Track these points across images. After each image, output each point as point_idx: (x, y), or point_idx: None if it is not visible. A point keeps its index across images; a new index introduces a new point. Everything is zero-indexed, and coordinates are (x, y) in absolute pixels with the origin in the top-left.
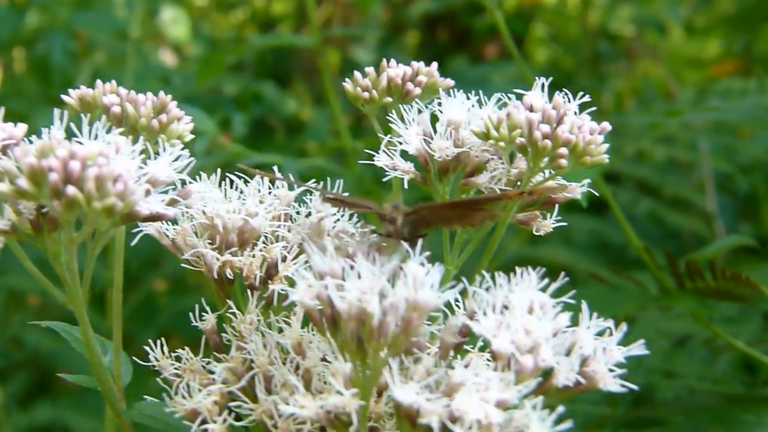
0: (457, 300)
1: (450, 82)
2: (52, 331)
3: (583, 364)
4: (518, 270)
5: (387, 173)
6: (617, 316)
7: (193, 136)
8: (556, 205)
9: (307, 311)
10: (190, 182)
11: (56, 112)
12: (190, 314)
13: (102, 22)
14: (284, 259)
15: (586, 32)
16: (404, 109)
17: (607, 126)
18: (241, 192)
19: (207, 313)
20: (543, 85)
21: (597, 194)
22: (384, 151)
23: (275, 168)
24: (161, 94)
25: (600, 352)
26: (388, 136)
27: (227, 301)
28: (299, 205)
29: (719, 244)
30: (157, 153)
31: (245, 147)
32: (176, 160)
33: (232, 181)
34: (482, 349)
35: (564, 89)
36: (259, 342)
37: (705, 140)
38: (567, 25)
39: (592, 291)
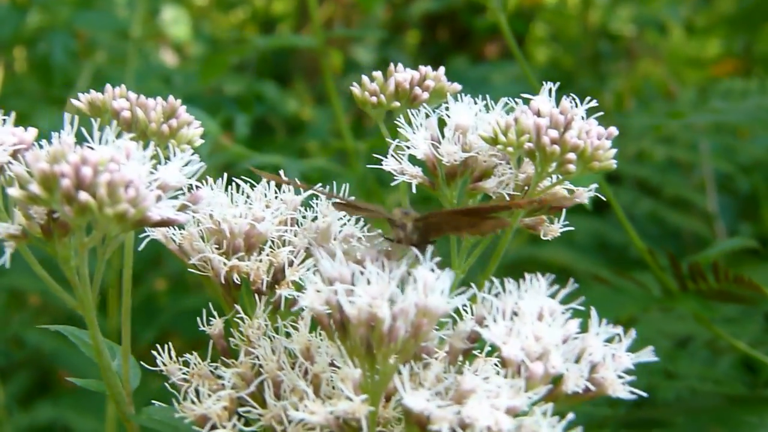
0: (464, 305)
1: (457, 86)
2: (53, 330)
3: (593, 371)
4: (527, 276)
5: (389, 174)
6: (620, 317)
7: (202, 141)
8: (563, 210)
9: (316, 316)
10: (198, 187)
11: (66, 116)
12: (190, 314)
13: (103, 22)
14: (291, 264)
15: (586, 32)
16: (412, 114)
17: (614, 131)
18: (248, 196)
19: (214, 317)
20: (550, 90)
21: (599, 195)
22: (392, 156)
23: (281, 172)
24: (170, 98)
25: (609, 359)
26: (396, 140)
27: (235, 305)
28: (305, 209)
29: (721, 246)
30: (167, 158)
31: (247, 147)
32: (186, 165)
33: (238, 186)
34: (490, 354)
35: (565, 89)
36: (268, 347)
37: (705, 140)
38: (567, 25)
39: (594, 292)
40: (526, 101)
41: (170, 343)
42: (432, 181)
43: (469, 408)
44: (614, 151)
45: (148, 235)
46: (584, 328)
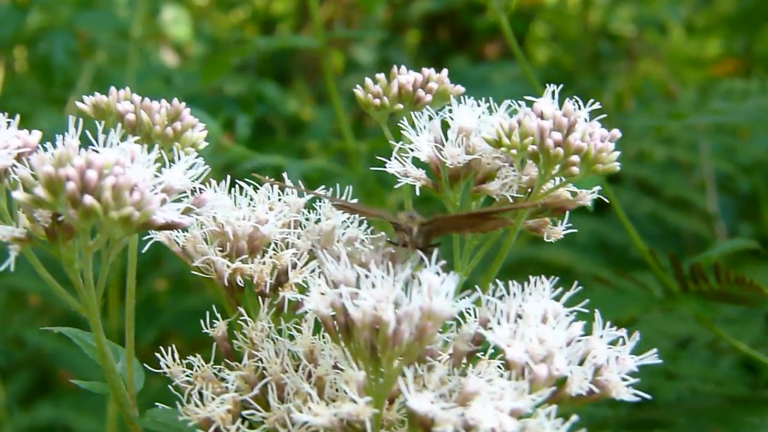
0: (467, 307)
1: (460, 88)
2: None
3: (596, 373)
4: (531, 278)
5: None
6: (621, 318)
7: (206, 144)
8: (567, 212)
9: (321, 319)
10: (201, 190)
11: (71, 119)
12: (191, 314)
13: (104, 22)
14: (294, 266)
15: (586, 32)
16: (415, 116)
17: (617, 133)
18: (251, 199)
19: (216, 318)
20: (553, 92)
21: (599, 195)
22: (396, 158)
23: (285, 175)
24: (175, 101)
25: (613, 361)
26: (400, 142)
27: (238, 308)
28: (308, 212)
29: (722, 247)
30: (171, 161)
31: (247, 147)
32: (190, 168)
33: (241, 188)
34: (493, 356)
35: (565, 89)
36: (272, 349)
37: (706, 141)
38: (567, 25)
39: (596, 293)
40: (529, 103)
41: (171, 344)
42: (435, 184)
43: (473, 410)
44: (617, 153)
45: (152, 238)
46: (587, 330)
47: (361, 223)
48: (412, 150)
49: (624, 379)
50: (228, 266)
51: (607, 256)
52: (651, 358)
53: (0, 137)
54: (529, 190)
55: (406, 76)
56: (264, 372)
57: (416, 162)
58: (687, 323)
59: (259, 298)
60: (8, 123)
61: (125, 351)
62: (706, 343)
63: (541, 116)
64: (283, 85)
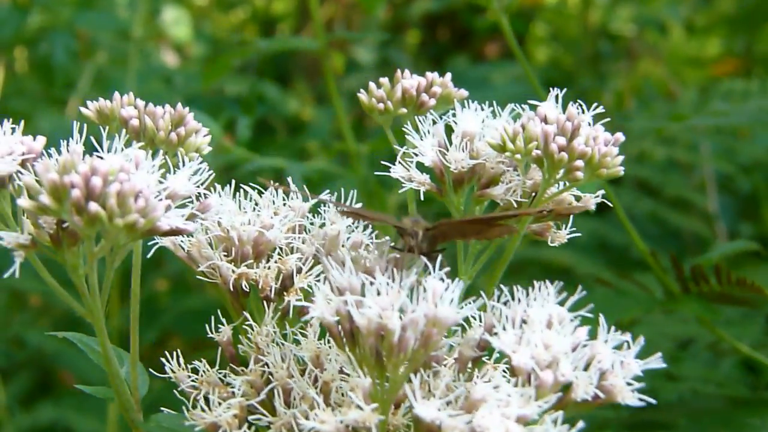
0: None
1: (464, 92)
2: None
3: (602, 378)
4: (536, 283)
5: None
6: (622, 320)
7: (210, 149)
8: (571, 216)
9: (326, 326)
10: (206, 195)
11: (75, 124)
12: (192, 315)
13: (104, 22)
14: (299, 271)
15: (586, 32)
16: (419, 120)
17: (620, 137)
18: (256, 203)
19: (219, 321)
20: (557, 96)
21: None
22: (400, 163)
23: (290, 180)
24: (179, 106)
25: (618, 366)
26: (404, 147)
27: (243, 312)
28: (313, 216)
29: (722, 249)
30: (175, 166)
31: (248, 148)
32: (195, 173)
33: (246, 192)
34: (498, 361)
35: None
36: (278, 354)
37: (706, 141)
38: (567, 25)
39: (597, 294)
40: (533, 107)
41: (172, 344)
42: (439, 188)
43: (480, 417)
44: (621, 157)
45: (156, 243)
46: (591, 333)
47: (365, 227)
48: (416, 155)
49: (629, 384)
50: (233, 271)
51: (608, 257)
52: (656, 362)
53: (4, 143)
54: (533, 194)
55: (409, 81)
56: (270, 377)
57: (420, 166)
58: (688, 324)
59: (264, 302)
60: (12, 129)
61: (129, 356)
62: (708, 344)
63: (545, 120)
64: (284, 85)
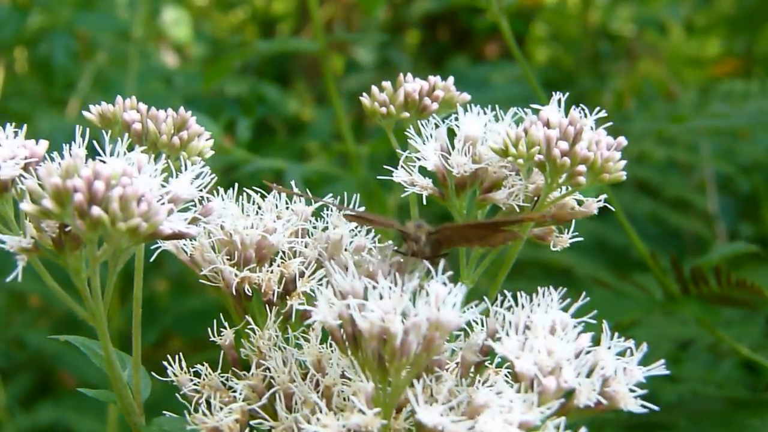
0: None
1: (466, 96)
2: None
3: (604, 384)
4: (540, 289)
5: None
6: (622, 321)
7: (213, 152)
8: (573, 221)
9: (329, 329)
10: (208, 198)
11: (78, 128)
12: (192, 316)
13: (104, 23)
14: (302, 275)
15: (586, 32)
16: (421, 125)
17: (623, 141)
18: (259, 207)
19: (220, 323)
20: (560, 100)
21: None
22: (402, 167)
23: (293, 183)
24: (181, 110)
25: (621, 372)
26: (407, 151)
27: (245, 316)
28: (315, 219)
29: (722, 250)
30: (178, 170)
31: (248, 148)
32: (197, 177)
33: (249, 196)
34: (500, 365)
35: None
36: (279, 358)
37: (706, 142)
38: (567, 25)
39: (597, 296)
40: (535, 111)
41: (172, 345)
42: (442, 192)
43: (483, 423)
44: (624, 162)
45: (159, 246)
46: (593, 338)
47: (368, 231)
48: (418, 159)
49: (631, 390)
50: (236, 275)
51: (608, 257)
52: (658, 368)
53: (7, 147)
54: (535, 198)
55: (412, 84)
56: (272, 381)
57: (422, 170)
58: (688, 326)
59: (267, 306)
60: (15, 133)
61: (131, 359)
62: (707, 345)
63: (548, 125)
64: (284, 85)
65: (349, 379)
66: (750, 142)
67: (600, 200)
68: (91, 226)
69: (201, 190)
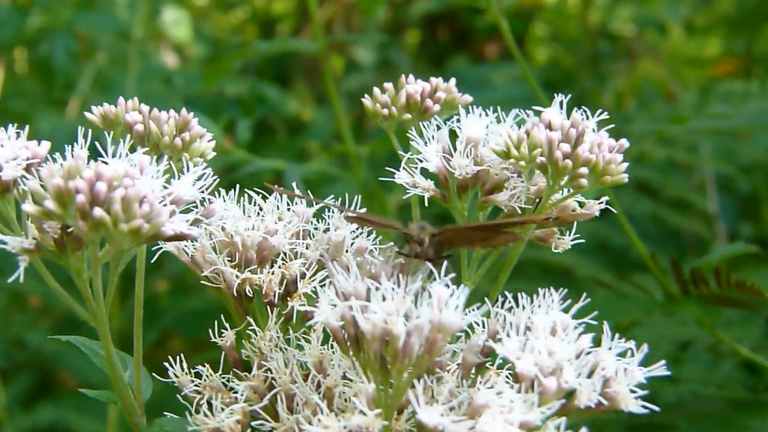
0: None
1: (468, 98)
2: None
3: (605, 385)
4: (540, 290)
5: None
6: (622, 322)
7: (215, 153)
8: (575, 222)
9: (331, 331)
10: (210, 200)
11: (80, 129)
12: (192, 315)
13: (104, 23)
14: (303, 276)
15: (586, 32)
16: (423, 126)
17: (624, 143)
18: (260, 208)
19: (221, 323)
20: (561, 102)
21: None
22: (404, 169)
23: (294, 185)
24: (183, 111)
25: (621, 373)
26: (409, 153)
27: (247, 317)
28: (317, 220)
29: (722, 251)
30: (180, 171)
31: (248, 148)
32: (199, 178)
33: (250, 197)
34: (501, 367)
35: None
36: (281, 359)
37: (706, 142)
38: (567, 25)
39: (597, 297)
40: (537, 112)
41: (172, 345)
42: (443, 194)
43: (483, 423)
44: (626, 164)
45: (160, 248)
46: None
47: (370, 233)
48: (420, 161)
49: (632, 391)
50: (237, 276)
51: (608, 258)
52: (659, 369)
53: (9, 148)
54: (537, 200)
55: (414, 86)
56: (273, 382)
57: (424, 172)
58: (688, 326)
59: (268, 307)
60: (17, 134)
61: (133, 359)
62: (707, 346)
63: (549, 127)
64: (284, 85)
65: (351, 381)
66: (750, 142)
67: (601, 202)
68: (93, 227)
69: (203, 192)
